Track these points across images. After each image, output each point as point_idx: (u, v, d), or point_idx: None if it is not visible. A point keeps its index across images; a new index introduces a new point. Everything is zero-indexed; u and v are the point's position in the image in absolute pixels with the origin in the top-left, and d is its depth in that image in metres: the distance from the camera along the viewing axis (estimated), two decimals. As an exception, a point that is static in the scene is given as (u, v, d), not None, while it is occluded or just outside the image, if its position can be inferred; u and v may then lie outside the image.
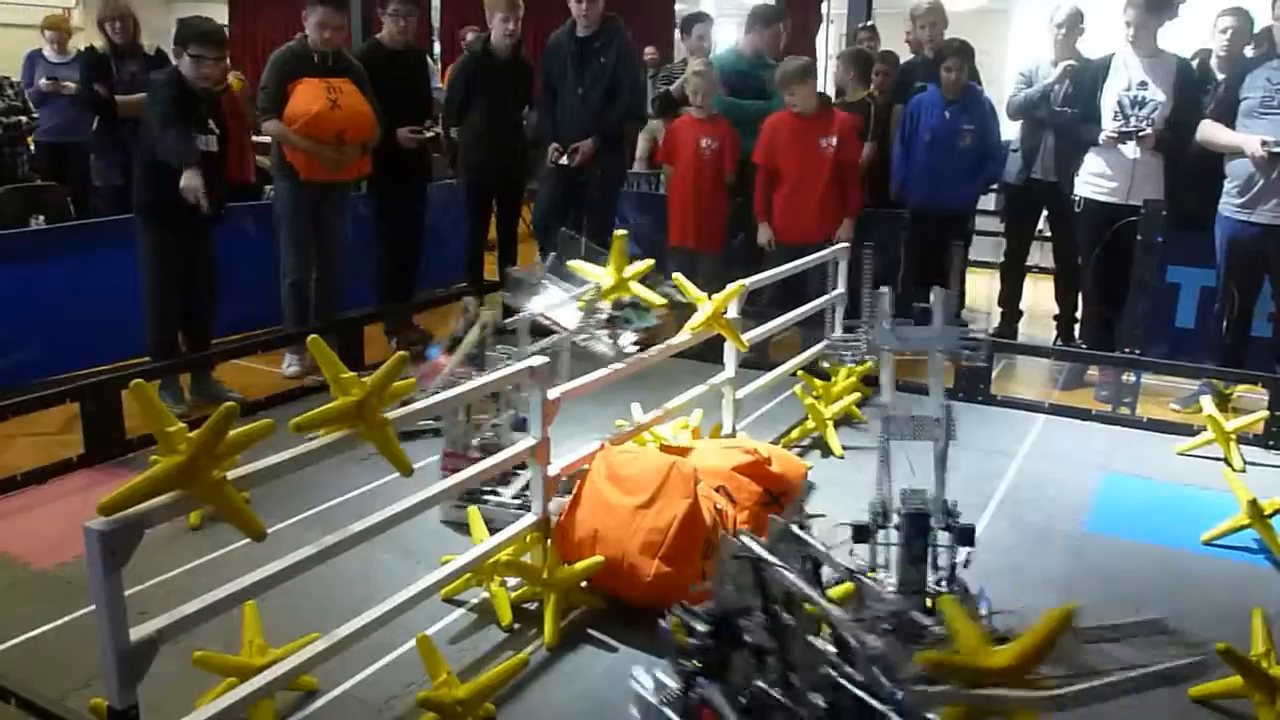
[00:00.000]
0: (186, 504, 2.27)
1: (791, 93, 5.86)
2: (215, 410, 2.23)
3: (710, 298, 4.22)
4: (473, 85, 6.47)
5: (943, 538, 2.91)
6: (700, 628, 2.46)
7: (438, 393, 3.45)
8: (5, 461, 4.53)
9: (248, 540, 2.36)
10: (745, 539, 2.47)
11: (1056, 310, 6.54)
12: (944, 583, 2.91)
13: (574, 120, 6.42)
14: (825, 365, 5.33)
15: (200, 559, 3.63)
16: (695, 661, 2.47)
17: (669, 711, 2.48)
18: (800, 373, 5.15)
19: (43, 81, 7.54)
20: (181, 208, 4.93)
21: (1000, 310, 6.80)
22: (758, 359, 5.31)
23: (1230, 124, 5.13)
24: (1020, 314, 6.78)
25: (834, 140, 5.86)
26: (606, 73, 6.35)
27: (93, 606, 2.12)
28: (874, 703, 2.10)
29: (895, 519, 2.95)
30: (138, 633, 2.17)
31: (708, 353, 4.78)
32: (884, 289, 3.28)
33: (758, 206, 6.14)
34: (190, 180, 4.86)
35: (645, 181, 8.66)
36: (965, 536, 2.89)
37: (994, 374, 5.64)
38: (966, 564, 2.93)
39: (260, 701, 2.61)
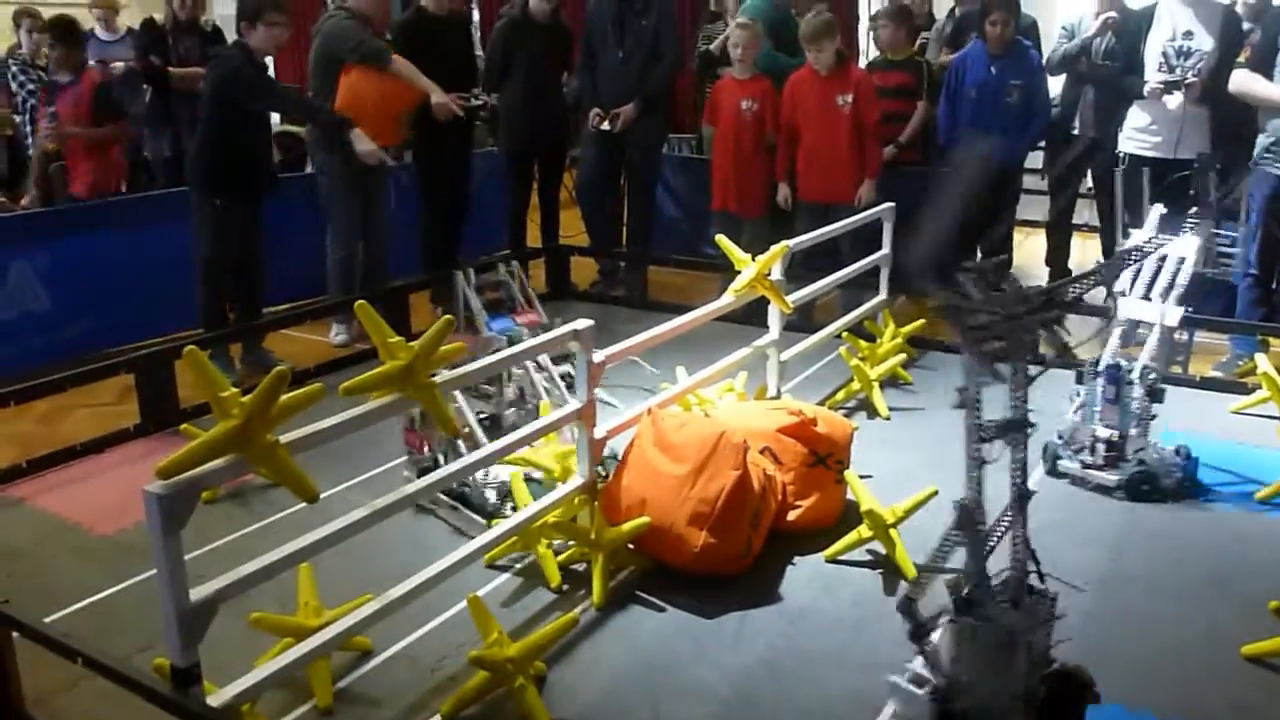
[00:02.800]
0: (241, 467, 2.31)
1: (820, 48, 5.78)
2: (265, 378, 2.27)
3: (754, 260, 4.20)
4: (511, 51, 6.45)
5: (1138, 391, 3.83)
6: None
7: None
8: (64, 432, 4.65)
9: (300, 505, 2.40)
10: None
11: (1106, 267, 6.44)
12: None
13: (615, 84, 6.38)
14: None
15: (254, 524, 3.70)
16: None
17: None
18: (845, 334, 5.12)
19: (93, 64, 7.61)
20: (242, 184, 5.00)
21: (1048, 269, 6.72)
22: (801, 321, 5.28)
23: (1269, 74, 4.93)
24: (1069, 272, 6.68)
25: (850, 98, 5.80)
26: (647, 35, 6.30)
27: (153, 570, 2.17)
28: None
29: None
30: (197, 594, 2.22)
31: (752, 315, 4.76)
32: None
33: (779, 166, 6.11)
34: (362, 142, 5.28)
35: (687, 144, 8.60)
36: (1156, 395, 3.84)
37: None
38: (1153, 417, 3.87)
39: (316, 661, 2.67)
